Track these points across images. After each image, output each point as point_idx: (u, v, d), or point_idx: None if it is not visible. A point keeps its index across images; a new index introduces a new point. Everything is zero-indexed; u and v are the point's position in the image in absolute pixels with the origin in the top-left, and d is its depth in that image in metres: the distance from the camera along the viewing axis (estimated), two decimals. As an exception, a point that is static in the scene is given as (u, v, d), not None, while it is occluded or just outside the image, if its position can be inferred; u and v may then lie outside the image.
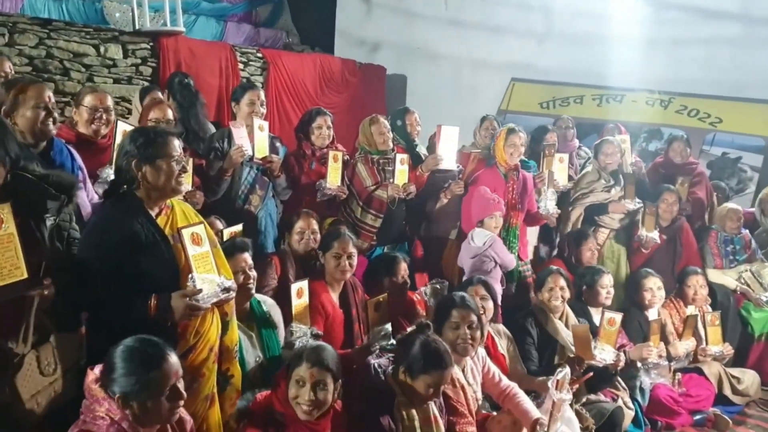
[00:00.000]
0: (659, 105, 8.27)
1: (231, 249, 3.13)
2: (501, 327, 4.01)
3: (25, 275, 2.20)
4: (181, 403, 2.22)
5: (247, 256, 3.16)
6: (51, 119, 3.00)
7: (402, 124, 5.00)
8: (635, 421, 4.15)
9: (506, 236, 4.65)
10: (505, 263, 4.38)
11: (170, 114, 4.03)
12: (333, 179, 4.37)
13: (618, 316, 3.94)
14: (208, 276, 2.51)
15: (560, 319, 4.16)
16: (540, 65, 8.80)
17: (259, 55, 8.30)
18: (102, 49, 6.95)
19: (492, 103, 9.05)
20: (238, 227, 3.73)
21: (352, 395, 2.92)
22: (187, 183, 2.72)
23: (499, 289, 4.30)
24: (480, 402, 3.44)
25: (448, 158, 4.65)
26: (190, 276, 2.47)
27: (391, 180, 4.47)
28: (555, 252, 5.34)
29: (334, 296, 3.59)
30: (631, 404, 4.13)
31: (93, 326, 2.49)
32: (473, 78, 9.35)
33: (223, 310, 2.72)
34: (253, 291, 3.17)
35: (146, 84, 7.27)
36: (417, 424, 2.88)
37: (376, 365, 2.99)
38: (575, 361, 3.82)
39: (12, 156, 2.30)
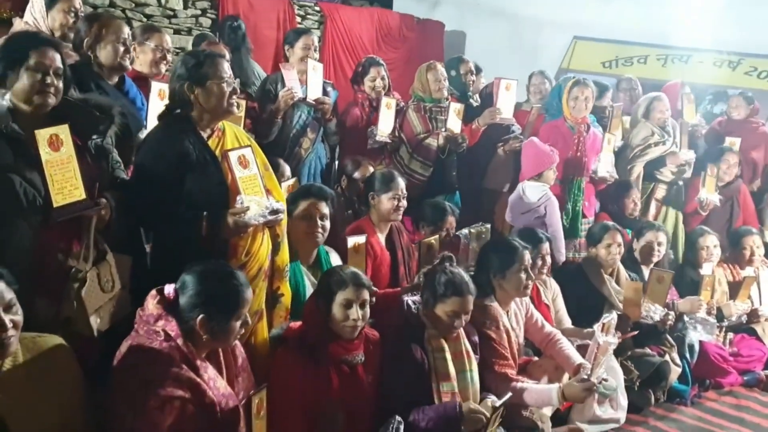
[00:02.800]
0: (727, 66, 7.95)
1: (305, 193, 3.19)
2: (547, 278, 3.97)
3: (84, 195, 2.29)
4: (248, 328, 2.32)
5: (322, 205, 3.15)
6: (128, 55, 3.15)
7: (456, 74, 4.93)
8: (682, 378, 4.09)
9: (570, 191, 4.58)
10: (553, 225, 4.26)
11: (227, 56, 4.06)
12: (384, 126, 4.37)
13: (668, 275, 3.86)
14: (256, 197, 2.58)
15: (611, 275, 4.10)
16: (603, 23, 8.53)
17: (317, 8, 8.29)
18: (163, 0, 7.05)
19: (553, 61, 8.83)
20: (292, 180, 3.76)
21: (389, 330, 2.96)
22: (238, 106, 2.74)
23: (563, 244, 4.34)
24: (521, 346, 3.43)
25: (506, 112, 4.58)
26: (238, 197, 2.54)
27: (443, 129, 4.44)
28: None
29: (381, 238, 3.60)
30: (678, 361, 4.06)
31: (153, 245, 2.57)
32: (534, 36, 9.13)
33: (275, 232, 2.80)
34: (320, 240, 3.17)
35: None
36: (447, 356, 2.91)
37: (410, 302, 3.01)
38: (622, 318, 3.78)
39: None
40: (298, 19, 8.13)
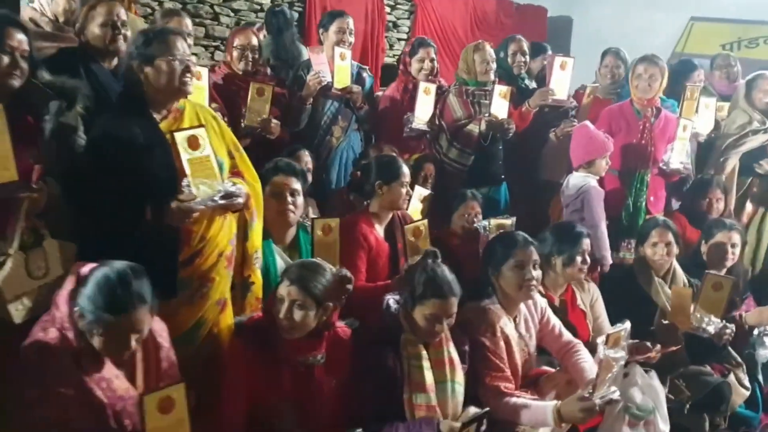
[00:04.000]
0: None
1: (273, 170, 3.03)
2: (586, 281, 3.53)
3: (15, 177, 2.20)
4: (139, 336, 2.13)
5: (291, 181, 2.99)
6: (120, 38, 3.04)
7: (505, 55, 4.53)
8: (752, 404, 3.52)
9: (631, 184, 4.09)
10: (590, 220, 3.76)
11: (255, 40, 3.96)
12: (421, 113, 4.08)
13: (727, 281, 3.30)
14: (207, 180, 2.42)
15: (664, 278, 3.59)
16: (723, 2, 7.71)
17: (408, -3, 8.08)
18: (252, -6, 7.11)
19: (666, 45, 8.12)
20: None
21: (362, 331, 2.72)
22: (193, 84, 2.55)
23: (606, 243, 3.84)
24: (532, 356, 3.05)
25: (560, 92, 4.16)
26: (184, 179, 2.40)
27: (487, 114, 4.08)
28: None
29: (380, 228, 3.34)
30: (747, 382, 3.50)
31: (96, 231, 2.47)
32: (646, 18, 8.44)
33: (244, 217, 2.68)
34: (291, 219, 3.00)
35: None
36: (425, 364, 2.60)
37: (391, 301, 2.73)
38: (668, 327, 3.29)
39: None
40: (388, 10, 7.97)
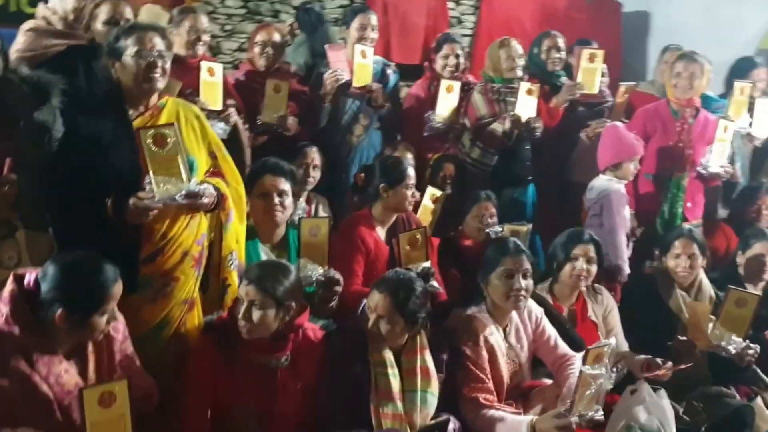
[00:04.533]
0: None
1: (261, 169, 3.02)
2: (601, 290, 3.33)
3: None
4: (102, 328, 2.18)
5: (280, 181, 2.96)
6: None
7: (539, 51, 4.33)
8: (782, 429, 3.21)
9: (667, 189, 3.86)
10: (608, 226, 3.56)
11: (276, 37, 3.98)
12: (443, 111, 3.97)
13: (752, 298, 3.01)
14: (170, 179, 2.41)
15: (688, 291, 3.34)
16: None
17: (472, -7, 7.91)
18: (312, -9, 7.15)
19: (752, 41, 7.58)
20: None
21: (332, 337, 2.68)
22: (161, 80, 2.50)
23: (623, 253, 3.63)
24: (524, 367, 2.90)
25: (589, 86, 3.94)
26: (146, 177, 2.40)
27: (512, 112, 3.92)
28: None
29: (382, 231, 3.27)
30: (776, 407, 3.20)
31: (61, 224, 2.54)
32: (731, 11, 7.87)
33: (219, 219, 2.67)
34: (279, 219, 2.97)
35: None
36: (390, 371, 2.53)
37: (366, 306, 2.65)
38: (684, 344, 3.06)
39: None
40: (451, 5, 7.82)
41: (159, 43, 2.51)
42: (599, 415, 2.51)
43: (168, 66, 2.55)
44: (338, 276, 2.88)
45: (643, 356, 2.99)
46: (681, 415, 3.09)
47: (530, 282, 2.80)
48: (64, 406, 2.10)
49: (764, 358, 3.24)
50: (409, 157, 3.77)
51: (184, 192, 2.41)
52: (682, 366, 2.95)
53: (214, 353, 2.46)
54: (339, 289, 2.86)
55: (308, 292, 2.90)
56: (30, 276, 2.15)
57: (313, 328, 2.64)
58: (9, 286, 2.12)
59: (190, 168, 2.53)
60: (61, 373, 2.12)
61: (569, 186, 4.24)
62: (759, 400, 3.20)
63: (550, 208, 4.17)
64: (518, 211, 4.04)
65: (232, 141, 3.54)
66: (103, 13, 3.08)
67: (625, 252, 3.62)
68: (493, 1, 7.88)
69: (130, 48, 2.46)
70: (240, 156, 3.59)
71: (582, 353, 2.52)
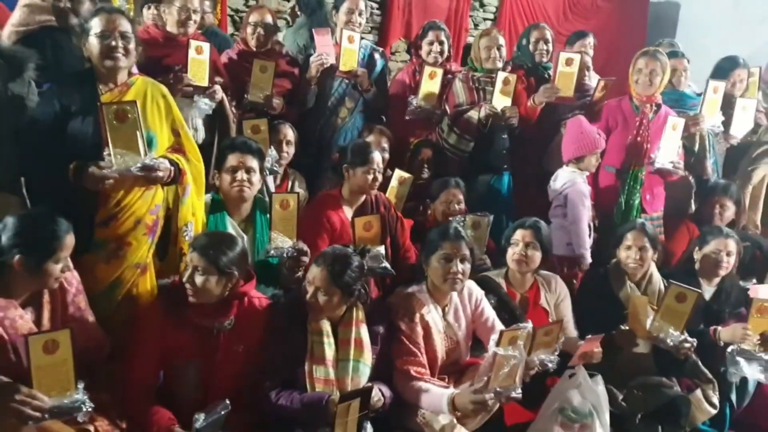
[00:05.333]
0: None
1: (230, 146, 3.19)
2: (555, 279, 3.45)
3: None
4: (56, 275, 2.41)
5: (247, 158, 3.12)
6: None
7: (527, 43, 4.41)
8: (717, 421, 3.31)
9: (626, 180, 3.94)
10: (571, 216, 3.67)
11: (269, 18, 4.11)
12: (424, 96, 4.10)
13: (692, 294, 3.09)
14: (127, 152, 2.61)
15: (639, 283, 3.42)
16: None
17: (496, -25, 7.94)
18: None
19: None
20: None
21: (277, 306, 2.86)
22: (123, 59, 2.72)
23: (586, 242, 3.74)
24: (461, 344, 3.04)
25: (565, 89, 4.02)
26: (105, 149, 2.60)
27: (489, 100, 4.04)
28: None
29: (349, 211, 3.43)
30: (715, 400, 3.29)
31: (31, 185, 2.79)
32: (762, 9, 7.75)
33: (177, 192, 2.88)
34: (246, 194, 3.13)
35: (374, 6, 7.51)
36: (325, 340, 2.71)
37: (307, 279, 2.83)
38: (625, 333, 3.17)
39: None
40: (475, -13, 7.89)
41: (122, 25, 2.72)
42: (517, 393, 2.63)
43: (132, 46, 2.75)
44: (306, 248, 3.06)
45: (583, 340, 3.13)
46: (620, 401, 3.22)
47: (467, 266, 2.94)
48: (17, 348, 2.33)
49: (707, 352, 3.33)
50: (383, 141, 3.91)
51: (139, 164, 2.62)
52: (590, 347, 3.06)
53: (162, 313, 2.67)
54: (306, 259, 3.04)
55: (275, 262, 3.13)
56: None
57: (258, 297, 2.83)
58: None
59: (149, 143, 2.75)
60: (16, 318, 2.36)
61: (546, 176, 4.33)
62: (698, 392, 3.28)
63: (528, 197, 4.27)
64: (493, 197, 4.18)
65: (218, 116, 3.78)
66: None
67: (587, 241, 3.72)
68: (516, -14, 7.92)
69: (94, 28, 2.69)
70: (226, 131, 3.82)
71: (496, 335, 2.64)
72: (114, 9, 2.82)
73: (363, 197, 3.46)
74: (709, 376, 3.31)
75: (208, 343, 2.68)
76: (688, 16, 8.47)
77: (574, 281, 3.72)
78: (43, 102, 2.77)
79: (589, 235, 3.78)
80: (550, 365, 2.91)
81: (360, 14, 4.20)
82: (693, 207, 4.26)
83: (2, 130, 2.73)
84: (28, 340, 2.24)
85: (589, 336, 3.09)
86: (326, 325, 2.75)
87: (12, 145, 2.74)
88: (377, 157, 3.41)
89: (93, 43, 2.69)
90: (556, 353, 2.93)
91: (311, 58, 4.02)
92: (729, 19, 7.85)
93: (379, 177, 3.43)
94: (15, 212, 2.67)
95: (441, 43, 4.28)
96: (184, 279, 2.62)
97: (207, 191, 3.14)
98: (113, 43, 2.69)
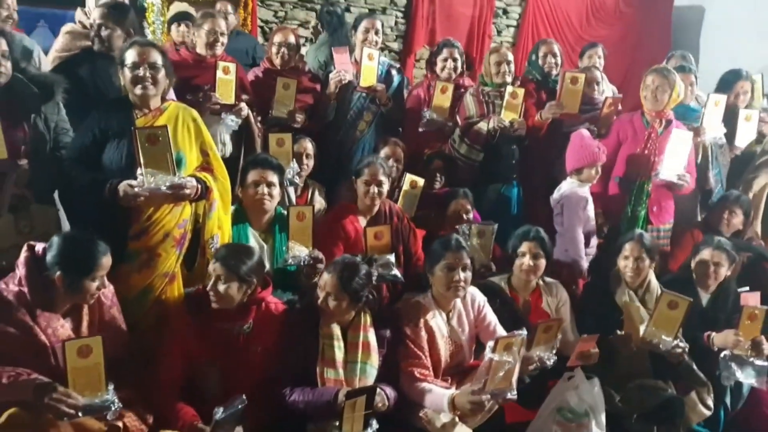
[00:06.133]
0: None
1: (252, 163, 3.45)
2: (556, 284, 3.64)
3: (5, 156, 2.89)
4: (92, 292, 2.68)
5: (268, 174, 3.37)
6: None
7: (536, 57, 4.61)
8: (712, 423, 3.48)
9: (631, 192, 4.11)
10: (566, 225, 3.85)
11: (292, 38, 4.37)
12: (435, 109, 4.32)
13: (684, 302, 3.26)
14: (158, 172, 2.88)
15: (637, 291, 3.60)
16: None
17: (519, -17, 8.11)
18: (359, -20, 7.53)
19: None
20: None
21: (293, 310, 3.13)
22: (152, 88, 3.00)
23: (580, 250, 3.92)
24: (465, 348, 3.27)
25: (570, 106, 4.21)
26: (138, 169, 2.88)
27: (498, 112, 4.25)
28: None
29: (363, 221, 3.65)
30: (709, 402, 3.44)
31: (68, 201, 3.10)
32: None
33: (204, 208, 3.15)
34: (267, 206, 3.38)
35: (398, 15, 7.74)
36: (336, 343, 2.95)
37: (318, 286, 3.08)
38: (622, 338, 3.36)
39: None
40: (498, -5, 8.05)
41: (152, 56, 3.01)
42: (512, 394, 2.85)
43: (161, 75, 3.04)
44: (321, 256, 3.32)
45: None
46: (616, 402, 3.40)
47: (469, 274, 3.16)
48: (57, 354, 2.60)
49: (703, 357, 3.49)
50: (398, 152, 4.17)
51: (168, 183, 2.90)
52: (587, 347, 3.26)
53: (188, 318, 2.94)
54: (321, 266, 3.27)
55: (292, 270, 3.37)
56: (39, 246, 2.69)
57: (275, 302, 3.09)
58: (24, 253, 2.66)
59: (179, 163, 3.03)
60: (57, 327, 2.64)
61: (556, 185, 4.52)
62: (693, 394, 3.44)
63: (536, 205, 4.46)
64: (504, 204, 4.40)
65: (244, 131, 4.05)
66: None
67: (582, 249, 3.90)
68: (540, -8, 8.07)
69: (127, 60, 2.99)
70: (251, 145, 4.10)
71: (492, 342, 2.86)
72: (146, 42, 3.11)
73: (376, 207, 3.67)
74: (704, 379, 3.46)
75: (230, 345, 2.94)
76: (713, 19, 8.51)
77: (574, 286, 3.90)
78: (85, 125, 3.07)
79: (587, 244, 3.95)
80: (548, 362, 3.13)
81: (376, 33, 4.45)
82: (699, 216, 4.40)
83: (39, 149, 3.04)
84: (65, 344, 2.52)
85: (585, 336, 3.28)
86: (336, 329, 2.99)
87: (48, 162, 3.04)
88: (378, 170, 3.61)
89: (126, 73, 3.00)
90: (554, 350, 3.15)
91: (330, 75, 4.28)
92: (752, 24, 7.87)
93: (383, 189, 3.61)
94: (52, 224, 3.01)
95: (455, 59, 4.51)
96: (208, 287, 2.88)
97: (233, 203, 3.39)
98: (142, 73, 2.97)
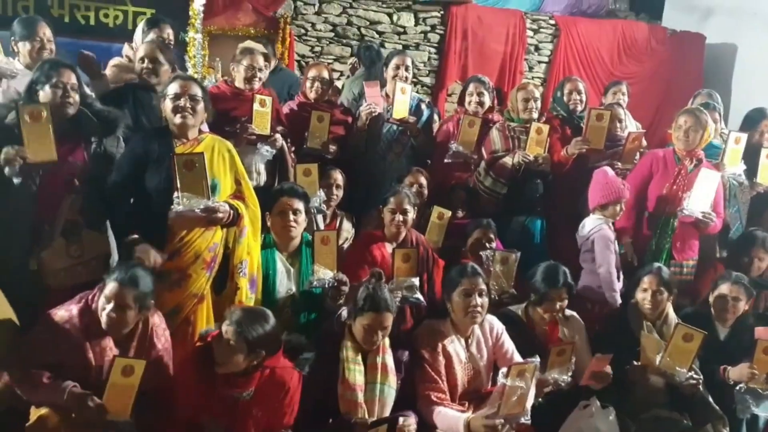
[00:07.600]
0: None
1: (279, 192, 3.59)
2: (572, 315, 3.73)
3: (55, 159, 3.09)
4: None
5: (294, 201, 3.50)
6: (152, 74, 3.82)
7: (561, 95, 4.74)
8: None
9: (656, 226, 4.19)
10: (600, 261, 3.92)
11: (326, 73, 4.58)
12: (462, 142, 4.46)
13: (698, 335, 3.33)
14: (193, 196, 3.06)
15: (655, 322, 3.66)
16: None
17: (552, 21, 8.26)
18: (395, 17, 7.78)
19: None
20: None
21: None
22: (191, 117, 3.21)
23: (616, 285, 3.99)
24: (483, 374, 3.37)
25: (595, 142, 4.32)
26: (175, 192, 3.06)
27: (523, 147, 4.39)
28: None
29: (390, 247, 3.75)
30: (727, 436, 3.50)
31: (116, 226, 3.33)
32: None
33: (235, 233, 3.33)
34: (293, 233, 3.52)
35: (432, 50, 7.94)
36: (356, 367, 3.07)
37: (344, 311, 3.21)
38: (638, 369, 3.44)
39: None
40: (530, 33, 8.18)
41: (192, 89, 3.23)
42: (525, 419, 2.96)
43: (200, 107, 3.26)
44: (345, 278, 3.44)
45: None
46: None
47: (485, 299, 3.28)
48: (100, 372, 2.79)
49: (720, 390, 3.54)
50: (421, 180, 4.34)
51: (202, 206, 3.08)
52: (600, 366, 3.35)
53: (192, 373, 2.88)
54: (346, 288, 3.41)
55: (318, 292, 3.51)
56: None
57: (287, 368, 2.96)
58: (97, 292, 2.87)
59: (214, 189, 3.21)
60: (107, 349, 2.83)
61: (579, 219, 4.62)
62: (709, 427, 3.49)
63: (561, 238, 4.55)
64: (527, 237, 4.50)
65: (279, 161, 4.25)
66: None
67: (616, 284, 3.96)
68: (571, 30, 8.22)
69: (169, 92, 3.21)
70: (285, 175, 4.29)
71: (505, 368, 2.96)
72: (187, 77, 3.36)
73: (402, 235, 3.79)
74: (719, 412, 3.51)
75: (230, 407, 2.88)
76: (745, 57, 8.55)
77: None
78: (127, 151, 3.31)
79: (618, 278, 4.01)
80: (563, 384, 3.24)
81: (407, 69, 4.64)
82: (717, 252, 4.45)
83: (94, 178, 3.26)
84: (115, 359, 2.73)
85: (599, 355, 3.36)
86: (357, 353, 3.12)
87: (101, 191, 3.25)
88: (403, 199, 3.75)
89: (167, 104, 3.22)
90: (570, 373, 3.23)
91: (361, 108, 4.46)
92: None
93: (407, 217, 3.74)
94: (102, 250, 3.22)
95: (481, 95, 4.65)
96: (216, 351, 2.82)
97: (263, 233, 3.54)
98: (183, 103, 3.19)
